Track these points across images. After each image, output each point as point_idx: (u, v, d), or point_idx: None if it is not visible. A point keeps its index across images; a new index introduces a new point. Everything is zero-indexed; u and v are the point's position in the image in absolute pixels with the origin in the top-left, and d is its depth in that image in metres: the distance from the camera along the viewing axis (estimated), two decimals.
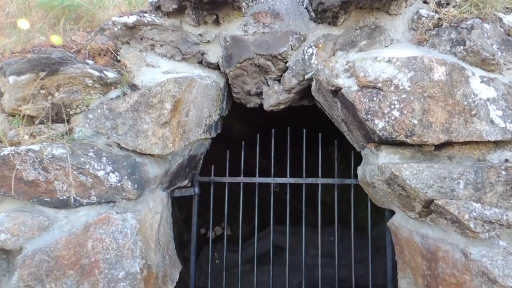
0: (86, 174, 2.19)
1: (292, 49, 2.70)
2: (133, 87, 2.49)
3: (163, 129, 2.36)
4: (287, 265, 3.08)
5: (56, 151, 2.17)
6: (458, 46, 2.27)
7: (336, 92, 2.39)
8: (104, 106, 2.35)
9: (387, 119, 2.17)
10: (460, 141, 2.12)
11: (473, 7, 2.41)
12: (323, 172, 3.01)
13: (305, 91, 2.83)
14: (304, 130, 3.06)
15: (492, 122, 2.12)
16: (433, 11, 2.50)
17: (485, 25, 2.31)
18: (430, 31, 2.45)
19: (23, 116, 2.31)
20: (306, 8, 2.73)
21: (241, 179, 3.09)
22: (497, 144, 2.16)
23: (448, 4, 2.53)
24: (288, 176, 3.06)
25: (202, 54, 2.84)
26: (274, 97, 2.87)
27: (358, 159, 2.75)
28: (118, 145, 2.34)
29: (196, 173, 3.09)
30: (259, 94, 3.01)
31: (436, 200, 2.04)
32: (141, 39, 2.76)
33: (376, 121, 2.19)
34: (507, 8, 2.51)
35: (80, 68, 2.33)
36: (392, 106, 2.16)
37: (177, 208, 3.80)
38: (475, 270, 1.92)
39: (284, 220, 3.12)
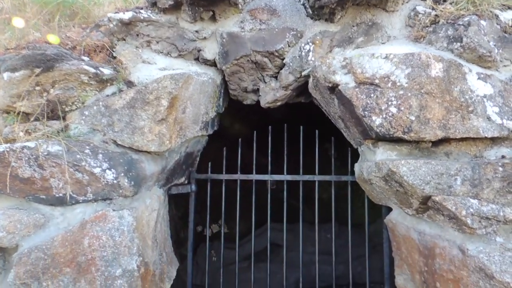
0: (82, 171, 2.17)
1: (289, 46, 2.69)
2: (129, 84, 2.47)
3: (159, 126, 2.35)
4: (284, 262, 3.08)
5: (52, 148, 2.15)
6: (455, 43, 2.27)
7: (333, 88, 2.39)
8: (100, 103, 2.33)
9: (384, 116, 2.17)
10: (457, 137, 2.12)
11: (470, 4, 2.42)
12: (320, 169, 3.01)
13: (302, 88, 2.83)
14: (301, 127, 3.06)
15: (489, 118, 2.12)
16: (430, 8, 2.50)
17: (482, 22, 2.31)
18: (427, 28, 2.45)
19: (18, 113, 2.29)
20: (303, 4, 2.73)
21: (238, 176, 3.08)
22: (494, 140, 2.17)
23: (445, 1, 2.53)
24: (285, 173, 3.05)
25: (199, 50, 2.82)
26: (271, 94, 2.86)
27: (355, 156, 2.76)
28: (114, 142, 2.32)
29: (192, 170, 3.08)
30: (256, 91, 3.00)
31: (434, 196, 2.04)
32: (137, 35, 2.75)
33: (374, 118, 2.19)
34: (504, 5, 2.52)
35: (75, 65, 2.31)
36: (390, 103, 2.16)
37: (173, 205, 3.79)
38: (472, 266, 1.93)
39: (281, 217, 3.12)
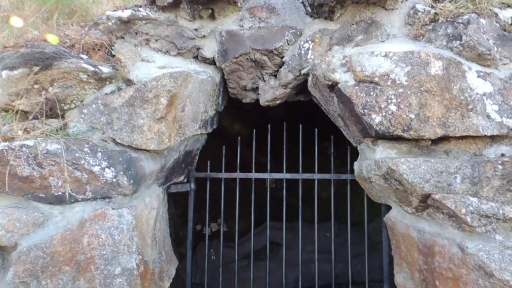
0: (81, 169, 2.17)
1: (288, 44, 2.69)
2: (128, 82, 2.46)
3: (158, 124, 2.34)
4: (283, 260, 3.08)
5: (51, 146, 2.14)
6: (454, 41, 2.27)
7: (333, 86, 2.38)
8: (99, 101, 2.32)
9: (384, 114, 2.17)
10: (456, 135, 2.12)
11: (469, 2, 2.42)
12: (319, 168, 3.01)
13: (301, 86, 2.83)
14: (301, 126, 3.06)
15: (488, 116, 2.12)
16: (429, 6, 2.50)
17: (481, 20, 2.31)
18: (426, 26, 2.45)
19: (17, 112, 2.28)
20: (302, 2, 2.72)
21: (237, 175, 3.08)
22: (493, 138, 2.17)
23: None
24: (284, 171, 3.05)
25: (198, 49, 2.82)
26: (270, 92, 2.86)
27: (354, 155, 2.75)
28: (114, 140, 2.31)
29: (192, 169, 3.07)
30: (255, 89, 3.00)
31: (433, 194, 2.04)
32: (136, 33, 2.74)
33: (373, 116, 2.19)
34: (503, 3, 2.52)
35: (74, 63, 2.30)
36: (389, 101, 2.16)
37: (172, 204, 3.79)
38: (472, 264, 1.93)
39: (280, 216, 3.12)
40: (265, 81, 2.90)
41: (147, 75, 2.49)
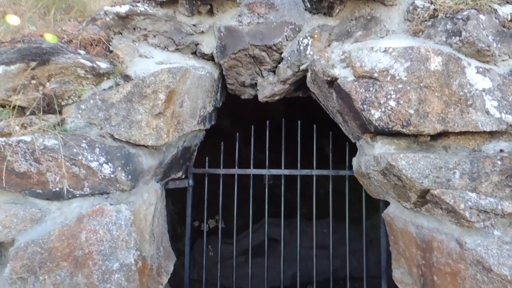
0: (79, 165, 2.16)
1: (287, 40, 2.68)
2: (126, 78, 2.44)
3: (157, 119, 2.33)
4: (281, 257, 3.08)
5: (48, 142, 2.13)
6: (453, 37, 2.27)
7: (332, 82, 2.38)
8: (97, 97, 2.31)
9: (383, 109, 2.17)
10: (456, 131, 2.12)
11: None
12: (317, 165, 3.01)
13: (300, 82, 2.82)
14: (299, 121, 3.05)
15: (487, 112, 2.12)
16: (428, 2, 2.49)
17: (481, 16, 2.31)
18: (425, 22, 2.45)
19: (14, 107, 2.26)
20: None
21: (236, 171, 3.07)
22: (492, 134, 2.17)
23: None
24: (283, 167, 3.05)
25: (196, 44, 2.80)
26: (269, 88, 2.85)
27: (353, 151, 2.75)
28: (111, 136, 2.30)
29: (190, 165, 3.07)
30: (254, 86, 2.99)
31: (432, 190, 2.04)
32: (134, 29, 2.72)
33: (372, 111, 2.19)
34: None
35: (71, 58, 2.28)
36: (389, 96, 2.16)
37: (170, 201, 3.78)
38: (470, 259, 1.94)
39: (278, 212, 3.12)
40: (263, 77, 2.89)
41: (145, 71, 2.47)
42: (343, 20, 2.61)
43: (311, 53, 2.60)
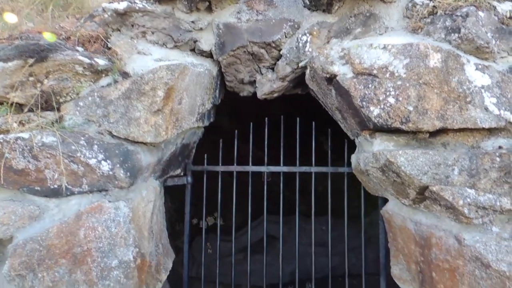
0: (78, 162, 2.15)
1: (286, 37, 2.67)
2: (125, 75, 2.44)
3: (155, 116, 2.32)
4: (280, 254, 3.09)
5: (46, 139, 2.13)
6: (452, 34, 2.27)
7: (331, 79, 2.38)
8: (95, 94, 2.30)
9: (382, 106, 2.17)
10: (455, 128, 2.12)
11: None
12: (316, 163, 3.00)
13: (299, 80, 2.82)
14: (298, 119, 3.05)
15: (486, 109, 2.12)
16: None
17: (480, 13, 2.30)
18: (424, 19, 2.44)
19: (12, 104, 2.25)
20: None
21: (235, 168, 3.07)
22: (491, 131, 2.17)
23: None
24: (281, 164, 3.04)
25: (195, 41, 2.80)
26: (268, 85, 2.85)
27: (352, 148, 2.75)
28: (110, 133, 2.30)
29: (189, 162, 3.06)
30: (253, 83, 2.98)
31: (431, 186, 2.04)
32: (132, 26, 2.71)
33: (371, 108, 2.19)
34: None
35: (69, 55, 2.27)
36: (388, 93, 2.16)
37: (169, 198, 3.78)
38: (469, 255, 1.94)
39: (276, 209, 3.12)
40: (262, 74, 2.88)
41: (143, 68, 2.46)
42: (342, 17, 2.61)
43: (310, 50, 2.60)
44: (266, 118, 3.09)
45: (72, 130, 2.24)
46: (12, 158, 2.09)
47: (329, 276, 3.04)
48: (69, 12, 3.08)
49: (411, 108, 2.13)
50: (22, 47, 2.22)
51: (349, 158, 2.74)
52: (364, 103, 2.20)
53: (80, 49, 2.46)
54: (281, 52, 2.71)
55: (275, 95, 2.89)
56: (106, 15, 2.64)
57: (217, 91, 2.99)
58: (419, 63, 2.14)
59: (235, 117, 4.46)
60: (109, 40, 2.64)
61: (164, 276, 2.60)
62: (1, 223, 2.07)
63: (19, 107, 2.29)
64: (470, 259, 1.94)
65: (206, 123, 2.96)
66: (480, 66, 2.19)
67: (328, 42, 2.59)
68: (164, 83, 2.30)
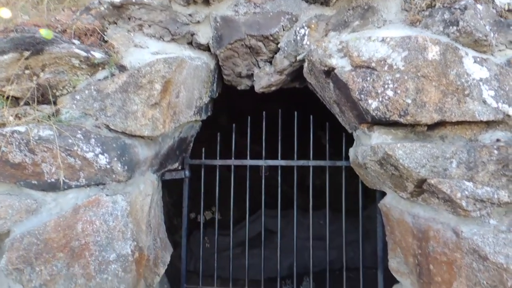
0: (75, 156, 2.14)
1: (283, 30, 2.66)
2: (121, 68, 2.42)
3: (153, 110, 2.31)
4: (278, 248, 3.09)
5: (43, 132, 2.11)
6: (451, 27, 2.26)
7: (329, 72, 2.37)
8: (92, 87, 2.29)
9: (380, 99, 2.16)
10: (453, 120, 2.12)
11: None
12: (313, 156, 3.00)
13: (297, 73, 2.80)
14: (296, 113, 3.04)
15: (484, 102, 2.12)
16: None
17: (478, 5, 2.30)
18: (423, 12, 2.43)
19: (7, 97, 2.24)
20: None
21: (232, 162, 3.06)
22: (489, 124, 2.17)
23: None
24: (279, 158, 3.04)
25: (192, 34, 2.78)
26: (265, 78, 2.84)
27: (349, 142, 2.75)
28: (107, 126, 2.29)
29: (186, 156, 3.05)
30: (250, 76, 2.97)
31: (429, 179, 2.04)
32: (129, 19, 2.69)
33: (370, 101, 2.18)
34: None
35: (66, 48, 2.26)
36: (386, 86, 2.15)
37: (166, 192, 3.77)
38: (466, 248, 1.95)
39: (274, 203, 3.11)
40: (260, 67, 2.87)
41: (140, 61, 2.45)
42: (340, 10, 2.60)
43: (308, 43, 2.58)
44: (264, 112, 3.08)
45: (69, 123, 2.23)
46: (9, 151, 2.08)
47: (327, 270, 3.05)
48: (64, 4, 3.05)
49: (409, 101, 2.12)
50: (17, 39, 2.20)
51: (347, 152, 2.74)
52: (362, 96, 2.20)
53: (76, 42, 2.44)
54: (278, 45, 2.69)
55: (273, 88, 2.88)
56: (102, 8, 2.61)
57: (215, 84, 2.98)
58: (417, 55, 2.13)
59: (232, 111, 4.44)
60: (105, 33, 2.62)
61: (162, 270, 2.61)
62: None
63: (15, 101, 2.28)
64: (467, 252, 1.95)
65: (204, 116, 2.94)
66: (478, 59, 2.18)
67: (326, 35, 2.58)
68: (161, 76, 2.29)
